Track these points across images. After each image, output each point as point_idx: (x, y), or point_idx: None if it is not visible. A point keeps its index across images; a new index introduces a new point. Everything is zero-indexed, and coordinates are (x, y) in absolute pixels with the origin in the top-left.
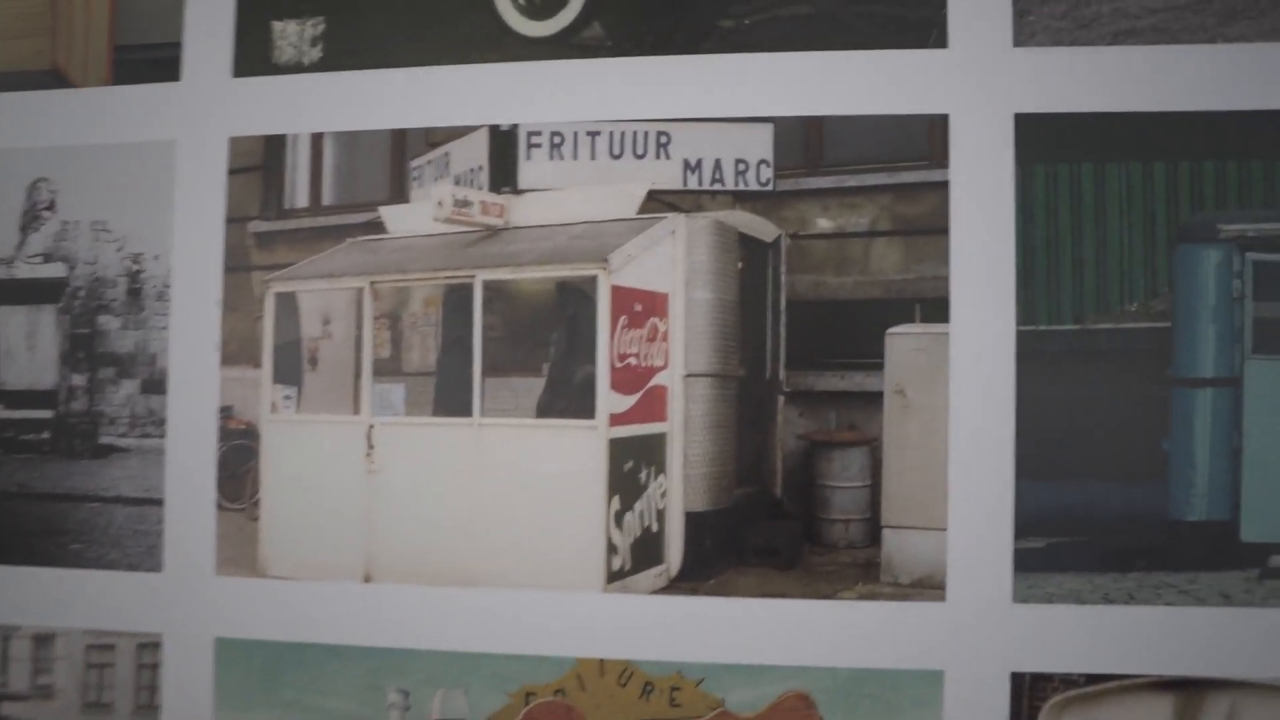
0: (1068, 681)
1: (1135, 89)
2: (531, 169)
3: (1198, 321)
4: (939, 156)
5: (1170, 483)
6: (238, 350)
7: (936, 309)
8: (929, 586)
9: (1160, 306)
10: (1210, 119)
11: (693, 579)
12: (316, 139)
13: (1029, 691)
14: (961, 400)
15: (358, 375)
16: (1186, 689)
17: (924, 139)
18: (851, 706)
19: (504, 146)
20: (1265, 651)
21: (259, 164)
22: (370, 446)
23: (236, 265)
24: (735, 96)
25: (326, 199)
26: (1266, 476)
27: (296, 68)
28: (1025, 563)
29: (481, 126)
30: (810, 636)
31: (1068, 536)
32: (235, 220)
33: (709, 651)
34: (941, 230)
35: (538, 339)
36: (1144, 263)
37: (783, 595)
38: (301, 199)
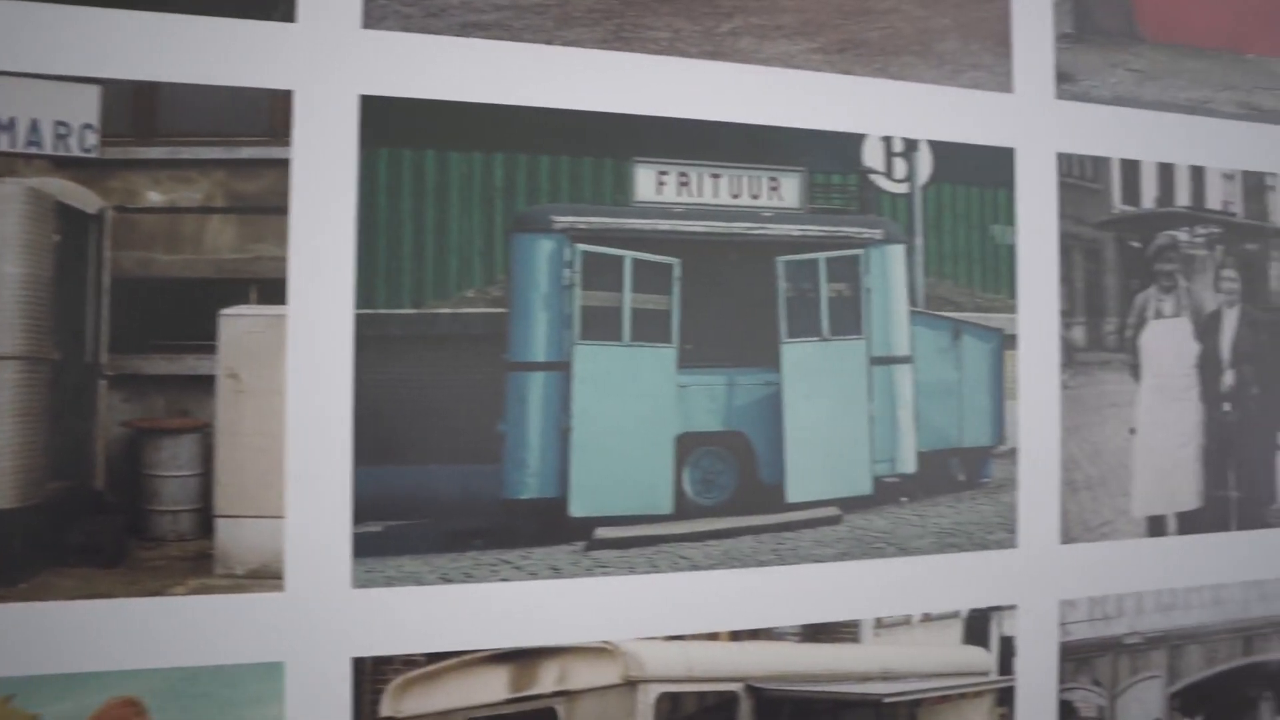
0: (410, 663)
1: (479, 81)
2: None
3: (531, 308)
4: (281, 133)
5: (505, 464)
6: None
7: (273, 290)
8: (267, 576)
9: (497, 293)
10: (546, 115)
11: (1, 585)
12: None
13: (371, 676)
14: (298, 384)
15: None
16: (521, 659)
17: (266, 114)
18: (186, 708)
19: None
20: (591, 617)
21: None
22: None
23: None
24: (58, 52)
25: None
26: (592, 455)
27: None
28: (364, 548)
29: None
30: (138, 637)
31: (407, 520)
32: None
33: (19, 665)
34: (280, 209)
35: None
36: (482, 250)
37: (106, 595)
38: None
